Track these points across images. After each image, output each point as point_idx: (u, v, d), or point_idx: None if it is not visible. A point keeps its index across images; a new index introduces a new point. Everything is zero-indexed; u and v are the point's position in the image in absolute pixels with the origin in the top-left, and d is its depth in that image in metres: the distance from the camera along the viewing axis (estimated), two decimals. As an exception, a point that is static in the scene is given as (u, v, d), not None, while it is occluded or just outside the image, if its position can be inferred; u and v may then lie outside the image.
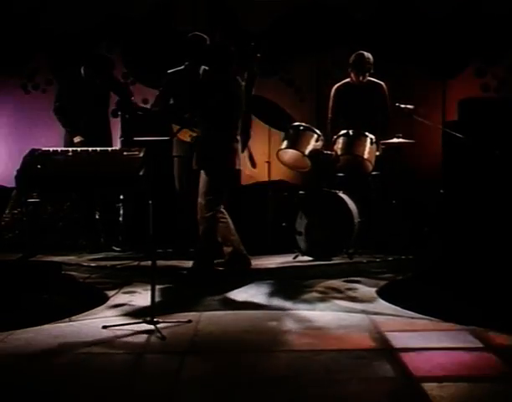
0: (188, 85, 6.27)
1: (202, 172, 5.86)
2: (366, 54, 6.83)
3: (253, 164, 6.71)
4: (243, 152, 6.25)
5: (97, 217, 6.98)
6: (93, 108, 6.97)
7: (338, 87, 7.02)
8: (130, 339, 4.26)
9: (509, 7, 7.72)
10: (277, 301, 5.25)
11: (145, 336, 4.31)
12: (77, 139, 6.94)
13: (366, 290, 5.58)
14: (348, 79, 6.95)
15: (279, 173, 7.33)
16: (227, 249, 5.98)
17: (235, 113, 5.87)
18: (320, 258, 6.38)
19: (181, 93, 6.30)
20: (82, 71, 7.02)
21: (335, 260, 6.38)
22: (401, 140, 6.60)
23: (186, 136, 6.18)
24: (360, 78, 6.84)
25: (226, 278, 5.89)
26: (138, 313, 4.79)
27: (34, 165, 6.65)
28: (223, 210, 5.92)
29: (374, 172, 6.64)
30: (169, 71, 6.50)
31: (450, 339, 4.20)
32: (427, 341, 4.17)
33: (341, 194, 6.46)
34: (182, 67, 6.48)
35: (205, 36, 6.46)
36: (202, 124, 5.87)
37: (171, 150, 6.50)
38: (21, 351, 4.05)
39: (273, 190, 7.05)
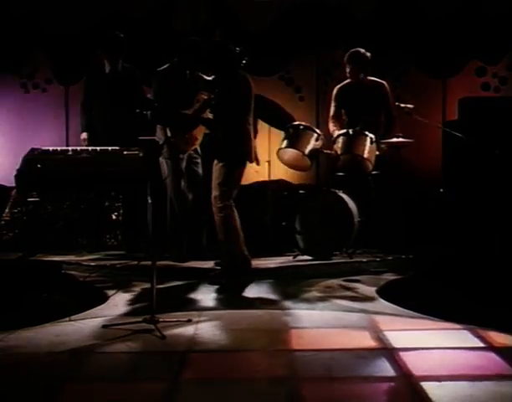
0: (176, 83, 6.24)
1: (216, 166, 5.87)
2: (362, 50, 6.82)
3: (257, 161, 6.74)
4: None
5: (99, 216, 6.98)
6: (111, 104, 6.88)
7: (340, 87, 7.02)
8: (130, 338, 4.25)
9: (510, 7, 7.72)
10: (277, 301, 5.25)
11: (145, 335, 4.30)
12: (83, 135, 6.94)
13: (365, 289, 5.58)
14: (350, 80, 6.94)
15: (278, 173, 7.33)
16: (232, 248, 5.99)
17: (248, 109, 5.93)
18: (320, 257, 6.38)
19: (170, 91, 6.24)
20: (106, 63, 6.97)
21: (335, 260, 6.39)
22: (401, 139, 6.60)
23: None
24: (358, 75, 6.82)
25: (226, 277, 5.88)
26: (138, 312, 4.79)
27: (34, 164, 6.65)
28: (234, 208, 5.93)
29: (374, 172, 6.64)
30: (159, 69, 6.45)
31: (450, 339, 4.20)
32: (427, 340, 4.17)
33: (341, 194, 6.46)
34: (168, 65, 6.43)
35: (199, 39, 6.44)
36: (217, 122, 5.90)
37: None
38: (21, 350, 4.05)
39: (273, 189, 7.05)
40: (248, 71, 6.10)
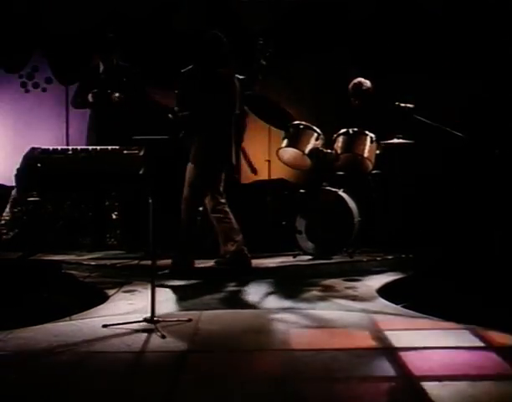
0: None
1: (189, 165, 5.87)
2: (362, 81, 6.93)
3: (253, 170, 6.70)
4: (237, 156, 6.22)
5: (99, 216, 6.97)
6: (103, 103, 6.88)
7: None
8: (130, 338, 4.25)
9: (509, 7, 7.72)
10: (277, 300, 5.25)
11: (145, 335, 4.30)
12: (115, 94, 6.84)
13: (366, 289, 5.58)
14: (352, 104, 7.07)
15: (279, 172, 7.34)
16: (231, 248, 5.98)
17: (230, 109, 5.89)
18: (320, 257, 6.38)
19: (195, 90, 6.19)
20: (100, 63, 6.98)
21: (336, 259, 6.39)
22: (401, 140, 6.59)
23: None
24: (360, 104, 6.95)
25: (226, 277, 5.89)
26: (138, 312, 4.79)
27: (34, 164, 6.66)
28: (227, 209, 5.93)
29: (374, 171, 6.64)
30: (183, 71, 6.41)
31: (450, 338, 4.20)
32: (427, 340, 4.16)
33: (341, 193, 6.46)
34: (192, 66, 6.40)
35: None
36: (196, 121, 5.86)
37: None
38: (21, 350, 4.05)
39: (273, 189, 7.05)
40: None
